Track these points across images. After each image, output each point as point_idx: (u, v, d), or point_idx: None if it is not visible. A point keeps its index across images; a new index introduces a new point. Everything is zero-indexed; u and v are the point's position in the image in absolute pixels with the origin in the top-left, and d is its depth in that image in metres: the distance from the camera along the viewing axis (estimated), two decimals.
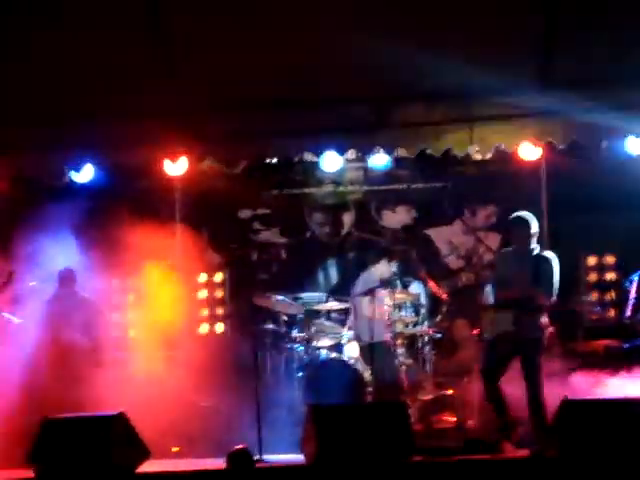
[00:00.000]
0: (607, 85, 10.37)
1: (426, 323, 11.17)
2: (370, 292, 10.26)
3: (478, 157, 11.63)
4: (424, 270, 11.09)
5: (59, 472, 8.44)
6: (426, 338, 11.05)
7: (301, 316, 11.42)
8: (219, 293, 12.83)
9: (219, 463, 8.81)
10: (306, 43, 10.03)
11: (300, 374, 10.99)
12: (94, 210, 11.74)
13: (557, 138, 10.78)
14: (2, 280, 10.34)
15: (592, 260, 12.39)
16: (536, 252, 9.40)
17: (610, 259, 12.33)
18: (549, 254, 9.43)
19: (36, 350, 10.43)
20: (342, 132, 10.94)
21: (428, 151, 10.91)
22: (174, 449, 10.19)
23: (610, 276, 12.32)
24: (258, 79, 10.35)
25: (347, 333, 11.13)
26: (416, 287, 11.33)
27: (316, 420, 8.59)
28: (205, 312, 12.73)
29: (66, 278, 10.97)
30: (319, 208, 13.00)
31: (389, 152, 11.55)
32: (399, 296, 11.00)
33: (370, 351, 10.34)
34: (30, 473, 8.58)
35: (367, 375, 10.55)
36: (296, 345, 11.23)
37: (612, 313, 12.16)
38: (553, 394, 9.21)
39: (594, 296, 12.33)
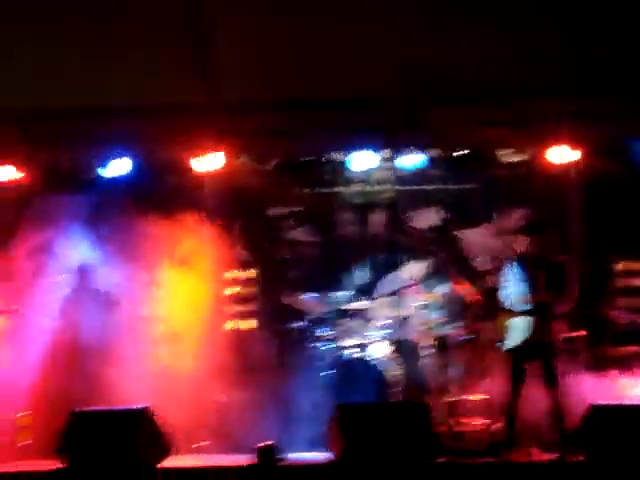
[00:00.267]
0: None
1: (454, 325, 11.15)
2: (396, 292, 10.25)
3: (510, 159, 11.59)
4: (454, 271, 11.05)
5: (86, 464, 8.49)
6: (454, 339, 11.04)
7: (328, 315, 11.42)
8: (247, 290, 12.83)
9: (243, 459, 8.82)
10: (340, 42, 10.04)
11: (326, 373, 11.00)
12: (126, 205, 11.77)
13: (590, 141, 10.74)
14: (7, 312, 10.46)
15: (621, 265, 12.31)
16: (552, 257, 9.39)
17: (638, 265, 12.25)
18: (563, 259, 9.42)
19: (58, 345, 10.47)
20: (373, 132, 10.94)
21: (459, 152, 10.88)
22: (198, 444, 10.21)
23: (638, 281, 12.24)
24: (292, 77, 10.38)
25: (374, 333, 11.12)
26: (445, 288, 11.29)
27: (341, 418, 8.60)
28: (232, 309, 12.75)
29: (84, 273, 10.97)
30: (348, 207, 12.99)
31: (419, 152, 11.55)
32: (428, 296, 10.99)
33: (398, 350, 10.31)
34: (59, 464, 8.64)
35: (393, 375, 10.53)
36: (322, 344, 11.24)
37: None
38: (581, 399, 9.18)
39: (623, 301, 12.26)
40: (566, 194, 12.11)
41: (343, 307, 11.56)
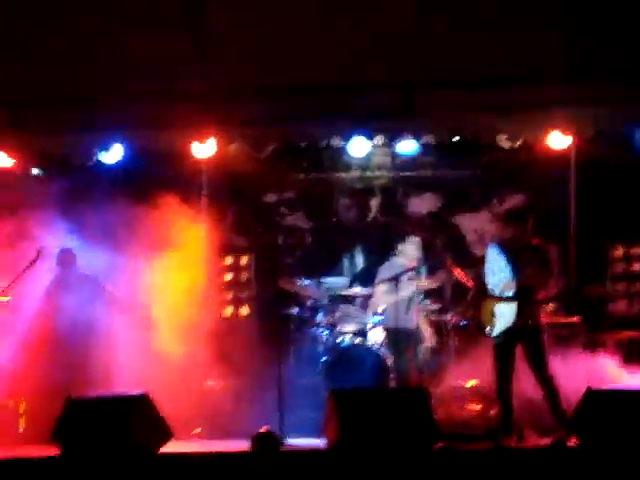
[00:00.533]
0: (634, 74, 10.32)
1: (451, 311, 11.16)
2: (395, 278, 10.22)
3: (507, 145, 11.59)
4: (450, 257, 11.05)
5: (83, 450, 8.49)
6: (450, 326, 11.05)
7: (326, 301, 11.42)
8: (244, 276, 12.84)
9: (241, 445, 8.83)
10: (337, 28, 10.02)
11: (324, 359, 11.01)
12: (121, 190, 11.75)
13: (586, 127, 10.73)
14: (31, 257, 10.35)
15: (619, 250, 12.32)
16: (534, 242, 9.43)
17: (637, 250, 12.26)
18: (546, 244, 9.47)
19: (45, 331, 10.43)
20: (371, 118, 10.93)
21: (456, 138, 10.87)
22: (196, 430, 10.22)
23: (637, 267, 12.25)
24: (288, 64, 10.36)
25: (372, 318, 11.12)
26: (441, 274, 11.29)
27: (338, 404, 8.60)
28: (230, 295, 12.75)
29: (65, 258, 10.88)
30: (346, 193, 12.99)
31: (417, 138, 11.55)
32: (424, 283, 10.99)
33: (394, 337, 10.31)
34: (54, 451, 8.64)
35: (391, 361, 10.54)
36: (320, 330, 11.24)
37: (638, 304, 12.11)
38: (577, 384, 9.20)
39: (620, 287, 12.28)
40: (563, 179, 12.13)
41: (340, 293, 11.55)
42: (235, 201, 12.96)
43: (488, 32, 10.05)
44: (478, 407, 10.26)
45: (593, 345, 10.93)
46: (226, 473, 8.16)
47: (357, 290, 11.51)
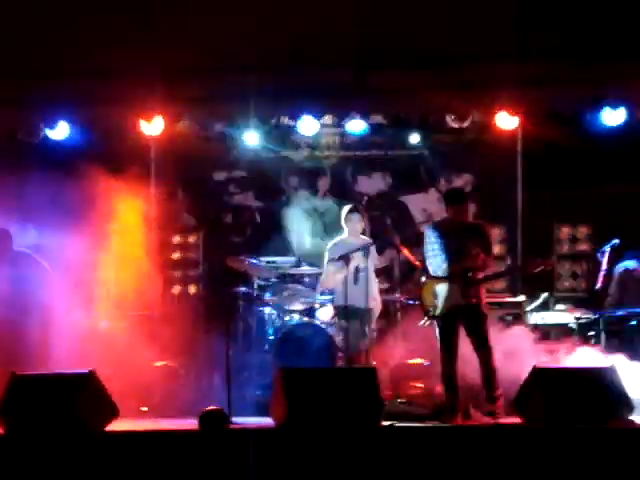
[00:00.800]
0: (584, 55, 10.40)
1: (398, 290, 11.21)
2: (345, 257, 10.21)
3: (455, 125, 11.64)
4: (398, 237, 11.08)
5: (28, 428, 8.42)
6: (398, 305, 11.10)
7: (274, 280, 11.42)
8: (193, 255, 12.81)
9: (189, 424, 8.82)
10: (289, 5, 9.99)
11: (272, 337, 11.02)
12: (67, 168, 11.64)
13: (533, 108, 10.80)
14: None
15: (565, 231, 12.44)
16: (471, 222, 9.52)
17: (583, 230, 12.39)
18: (480, 223, 9.57)
19: None
20: (319, 97, 10.92)
21: (404, 118, 10.89)
22: (143, 408, 10.19)
23: (583, 247, 12.39)
24: (238, 41, 10.32)
25: (319, 297, 11.13)
26: (389, 254, 11.33)
27: (285, 383, 8.60)
28: (178, 273, 12.72)
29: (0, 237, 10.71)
30: (295, 172, 12.98)
31: (365, 118, 11.57)
32: (373, 261, 11.01)
33: (343, 315, 10.31)
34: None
35: (339, 340, 10.57)
36: (268, 308, 11.24)
37: (583, 284, 12.25)
38: (523, 363, 9.29)
39: (566, 267, 12.41)
40: (511, 160, 12.22)
41: (288, 272, 11.55)
42: (184, 179, 12.91)
43: (438, 11, 10.07)
44: (424, 386, 10.33)
45: (538, 324, 11.03)
46: (173, 451, 8.14)
47: (305, 269, 11.50)
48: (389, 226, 11.78)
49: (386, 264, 11.28)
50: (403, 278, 11.39)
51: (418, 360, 10.60)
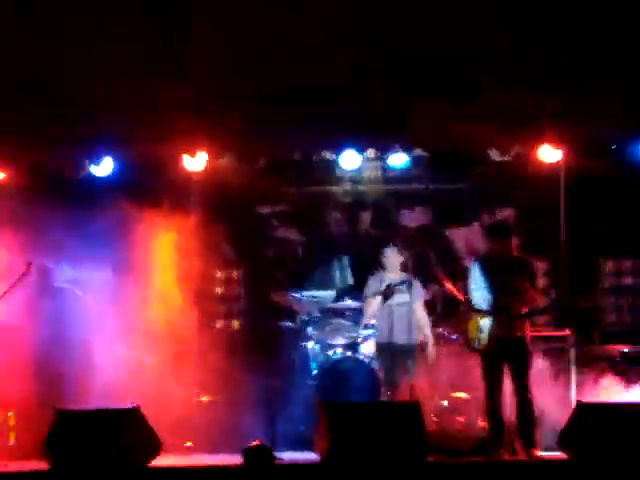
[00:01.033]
0: (628, 87, 10.36)
1: (442, 324, 11.16)
2: (387, 290, 10.17)
3: (497, 159, 11.61)
4: (441, 270, 11.05)
5: (73, 464, 8.45)
6: (441, 339, 11.05)
7: (317, 314, 11.41)
8: (235, 289, 12.83)
9: (233, 459, 8.80)
10: (329, 43, 10.03)
11: (315, 372, 10.99)
12: (111, 204, 11.73)
13: (576, 140, 10.76)
14: (21, 271, 10.30)
15: (609, 264, 12.34)
16: (517, 256, 9.45)
17: (628, 263, 12.28)
18: (526, 259, 9.50)
19: (28, 345, 10.37)
20: (362, 130, 10.94)
21: (447, 151, 10.88)
22: (187, 444, 10.19)
23: (627, 280, 12.27)
24: (280, 75, 10.37)
25: (363, 331, 11.10)
26: (432, 288, 11.29)
27: (329, 418, 8.58)
28: (221, 308, 12.73)
29: (42, 272, 10.73)
30: (337, 206, 12.99)
31: (408, 151, 11.57)
32: (417, 295, 10.96)
33: (387, 351, 10.26)
34: (44, 465, 8.60)
35: (382, 375, 10.51)
36: (311, 343, 11.23)
37: (629, 318, 12.12)
38: (567, 397, 9.21)
39: (611, 300, 12.29)
40: (553, 193, 12.15)
41: (331, 306, 11.54)
42: (227, 214, 12.95)
43: (481, 43, 10.07)
44: (469, 421, 10.26)
45: (584, 359, 10.92)
46: None
47: (348, 303, 11.49)
48: (432, 260, 11.73)
49: (429, 298, 11.22)
50: (446, 312, 11.34)
51: (463, 395, 10.53)
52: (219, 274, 12.75)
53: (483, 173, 12.35)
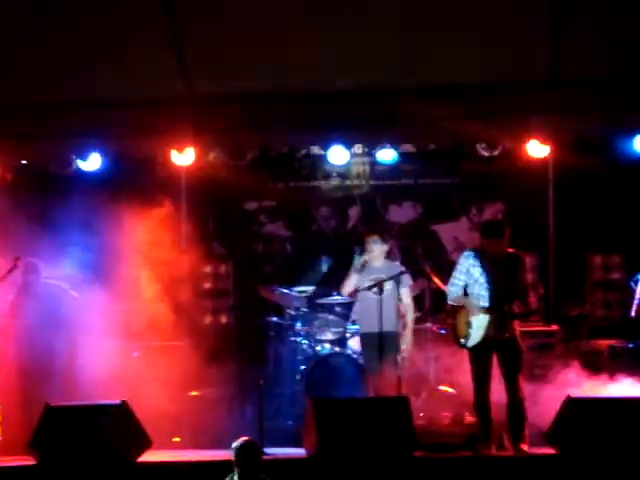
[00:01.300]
0: (616, 83, 10.37)
1: (430, 319, 11.16)
2: (376, 285, 10.12)
3: (485, 154, 11.62)
4: (429, 265, 11.05)
5: (60, 459, 8.44)
6: (429, 334, 11.05)
7: (305, 309, 11.41)
8: (223, 284, 12.82)
9: (221, 454, 8.79)
10: (319, 35, 10.01)
11: (303, 367, 10.99)
12: (99, 199, 11.71)
13: (564, 136, 10.78)
14: (8, 267, 10.28)
15: (597, 259, 12.37)
16: (511, 252, 9.34)
17: (616, 258, 12.31)
18: (521, 254, 9.39)
19: (18, 340, 10.35)
20: (350, 126, 10.93)
21: (435, 147, 10.88)
22: (175, 439, 10.18)
23: (615, 275, 12.30)
24: (267, 71, 10.35)
25: (351, 327, 11.09)
26: (420, 282, 11.28)
27: (317, 413, 8.59)
28: (209, 303, 12.73)
29: (29, 268, 10.63)
30: (325, 202, 13.00)
31: (396, 147, 11.58)
32: (404, 290, 10.94)
33: (374, 344, 10.20)
34: (31, 460, 8.58)
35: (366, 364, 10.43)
36: (299, 338, 11.22)
37: (617, 313, 12.15)
38: (556, 393, 9.21)
39: (600, 295, 12.33)
40: (542, 188, 12.18)
41: (319, 301, 11.53)
42: (215, 209, 12.96)
43: (468, 40, 10.06)
44: (457, 415, 10.27)
45: (572, 354, 10.94)
46: None
47: (336, 298, 11.48)
48: (420, 255, 11.73)
49: (417, 293, 11.21)
50: (434, 307, 11.34)
51: (451, 390, 10.54)
52: (207, 269, 12.75)
53: (471, 168, 12.36)
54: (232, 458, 8.18)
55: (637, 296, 10.67)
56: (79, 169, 11.68)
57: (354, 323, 11.07)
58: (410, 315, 10.18)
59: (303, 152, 12.24)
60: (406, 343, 10.04)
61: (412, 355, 10.47)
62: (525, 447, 8.94)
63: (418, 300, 11.17)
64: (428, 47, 10.00)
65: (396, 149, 11.66)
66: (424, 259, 11.53)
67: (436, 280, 10.69)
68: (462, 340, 9.31)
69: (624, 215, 12.00)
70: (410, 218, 12.90)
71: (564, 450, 8.46)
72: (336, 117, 10.73)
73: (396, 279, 9.91)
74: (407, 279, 10.22)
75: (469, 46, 10.13)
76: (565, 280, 12.07)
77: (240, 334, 12.10)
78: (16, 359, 10.27)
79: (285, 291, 11.38)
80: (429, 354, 10.96)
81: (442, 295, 10.79)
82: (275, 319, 11.36)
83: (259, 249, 13.07)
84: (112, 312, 10.93)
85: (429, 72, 10.27)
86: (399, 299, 9.90)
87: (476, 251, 9.43)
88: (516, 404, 9.11)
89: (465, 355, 9.47)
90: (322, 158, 12.11)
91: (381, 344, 9.70)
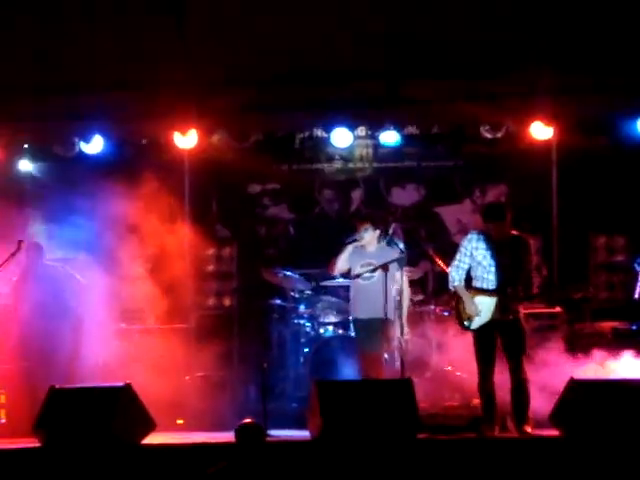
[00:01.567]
0: (619, 65, 10.35)
1: (433, 301, 11.16)
2: (379, 268, 10.08)
3: (489, 136, 11.59)
4: (432, 248, 11.04)
5: (65, 441, 8.45)
6: (432, 316, 11.05)
7: (308, 292, 11.40)
8: (227, 267, 12.82)
9: (225, 436, 8.81)
10: (320, 17, 10.00)
11: (306, 350, 10.99)
12: (103, 181, 11.70)
13: (568, 118, 10.75)
14: (11, 250, 10.27)
15: (601, 241, 12.36)
16: (515, 234, 9.25)
17: (619, 240, 12.30)
18: (524, 236, 9.30)
19: (20, 324, 10.35)
20: (353, 108, 10.92)
21: (438, 129, 10.86)
22: (179, 421, 10.20)
23: (619, 257, 12.29)
24: (271, 52, 10.34)
25: None
26: (423, 265, 11.27)
27: (321, 395, 8.59)
28: (212, 285, 12.74)
29: (32, 251, 10.64)
30: (328, 184, 12.98)
31: (399, 129, 11.55)
32: (408, 272, 10.94)
33: (362, 326, 10.15)
34: (36, 442, 8.60)
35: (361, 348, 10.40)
36: (303, 321, 11.23)
37: (620, 295, 12.15)
38: (560, 375, 9.21)
39: (603, 277, 12.32)
40: (545, 170, 12.15)
41: (322, 284, 11.53)
42: (218, 192, 12.94)
43: (471, 21, 10.04)
44: (460, 398, 10.28)
45: (576, 336, 10.94)
46: (210, 464, 8.14)
47: (340, 281, 11.46)
48: (423, 237, 11.71)
49: (420, 275, 11.21)
50: (437, 289, 11.34)
51: (455, 372, 10.54)
52: (211, 252, 12.74)
53: (475, 150, 12.34)
54: (235, 440, 8.23)
55: None
56: (82, 152, 11.68)
57: None
58: (405, 302, 10.14)
59: (306, 134, 12.21)
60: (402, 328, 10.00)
61: (414, 338, 10.50)
62: (529, 429, 8.93)
63: (421, 283, 11.19)
64: (430, 26, 9.97)
65: (399, 131, 11.64)
66: (427, 241, 11.51)
67: (439, 262, 10.69)
68: (466, 322, 9.28)
69: (628, 197, 11.98)
70: (413, 200, 12.88)
71: (568, 432, 8.45)
72: (339, 99, 10.71)
73: (390, 264, 9.83)
74: (401, 265, 10.06)
75: (472, 25, 10.12)
76: (569, 262, 12.05)
77: (244, 316, 12.10)
78: (20, 341, 10.29)
79: (288, 274, 11.37)
80: (432, 336, 10.95)
81: (445, 277, 10.77)
82: (278, 302, 11.36)
83: (262, 232, 13.06)
84: (114, 295, 10.94)
85: (432, 52, 10.23)
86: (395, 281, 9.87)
87: (479, 233, 9.33)
88: (519, 386, 9.10)
89: (469, 337, 9.46)
90: (325, 141, 12.09)
91: (367, 330, 9.73)
